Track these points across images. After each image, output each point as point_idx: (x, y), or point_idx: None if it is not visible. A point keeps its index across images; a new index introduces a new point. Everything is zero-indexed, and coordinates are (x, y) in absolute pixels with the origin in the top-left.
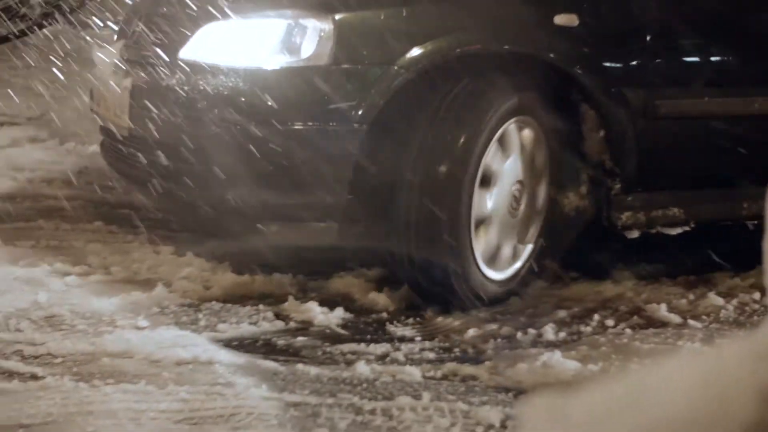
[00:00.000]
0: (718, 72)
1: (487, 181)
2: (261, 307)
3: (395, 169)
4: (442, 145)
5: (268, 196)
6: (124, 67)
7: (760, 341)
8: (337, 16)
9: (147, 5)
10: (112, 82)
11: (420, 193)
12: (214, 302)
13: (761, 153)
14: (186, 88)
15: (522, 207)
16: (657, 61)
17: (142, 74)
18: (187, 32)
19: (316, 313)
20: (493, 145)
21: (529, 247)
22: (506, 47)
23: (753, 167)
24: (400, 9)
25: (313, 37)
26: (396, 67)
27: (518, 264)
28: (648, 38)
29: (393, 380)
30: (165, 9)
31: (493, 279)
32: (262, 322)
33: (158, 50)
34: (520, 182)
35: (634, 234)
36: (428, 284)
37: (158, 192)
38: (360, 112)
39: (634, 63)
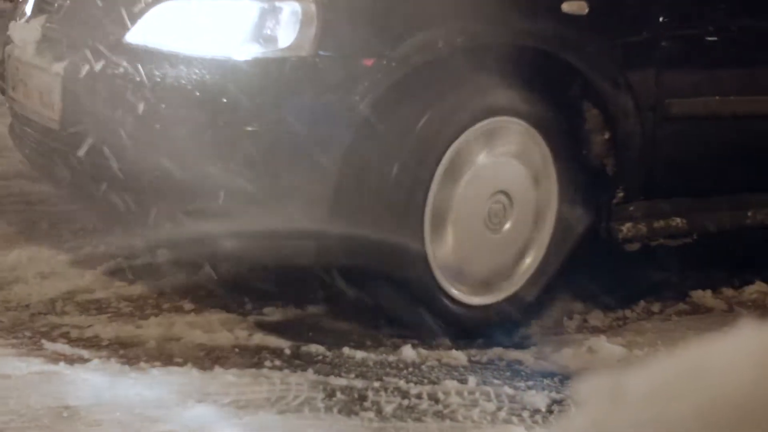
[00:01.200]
0: (733, 69)
1: (449, 194)
2: (307, 290)
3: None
4: (399, 144)
5: (234, 208)
6: (52, 49)
7: None
8: None
9: None
10: (36, 65)
11: (377, 200)
12: (260, 285)
13: None
14: (137, 78)
15: (509, 222)
16: (669, 56)
17: (78, 59)
18: (134, 10)
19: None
20: (457, 147)
21: (528, 267)
22: (509, 39)
23: (762, 172)
24: None
25: (292, 22)
26: (387, 60)
27: (512, 288)
28: (660, 31)
29: (439, 364)
30: None
31: (468, 304)
32: (308, 306)
33: (98, 31)
34: (503, 193)
35: (635, 247)
36: (385, 306)
37: (93, 195)
38: (346, 112)
39: (644, 57)
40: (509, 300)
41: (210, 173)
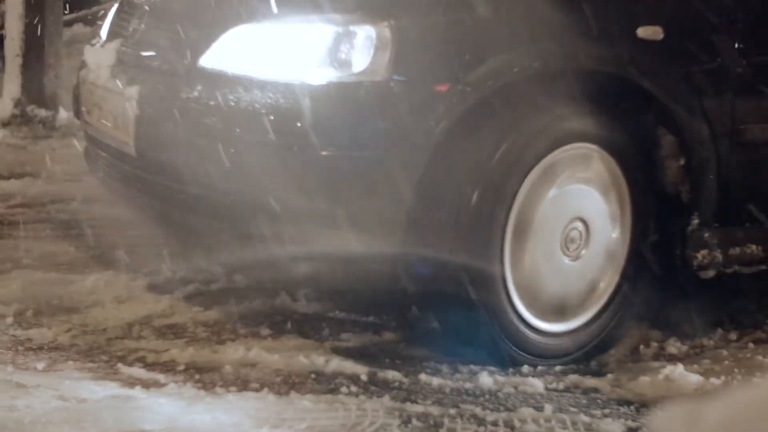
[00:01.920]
0: None
1: (528, 218)
2: (384, 316)
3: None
4: (478, 171)
5: (308, 234)
6: (126, 73)
7: None
8: (396, 23)
9: None
10: (110, 89)
11: (455, 225)
12: (337, 312)
13: None
14: (211, 102)
15: (585, 249)
16: (744, 82)
17: (152, 83)
18: (208, 35)
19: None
20: (537, 175)
21: (604, 296)
22: (584, 65)
23: None
24: (469, 15)
25: (366, 47)
26: (462, 86)
27: (587, 315)
28: (735, 57)
29: (515, 391)
30: (177, 5)
31: (544, 330)
32: (385, 332)
33: (172, 55)
34: (580, 219)
35: (710, 274)
36: (460, 331)
37: (168, 219)
38: (421, 137)
39: (719, 83)
40: (584, 327)
41: (285, 198)
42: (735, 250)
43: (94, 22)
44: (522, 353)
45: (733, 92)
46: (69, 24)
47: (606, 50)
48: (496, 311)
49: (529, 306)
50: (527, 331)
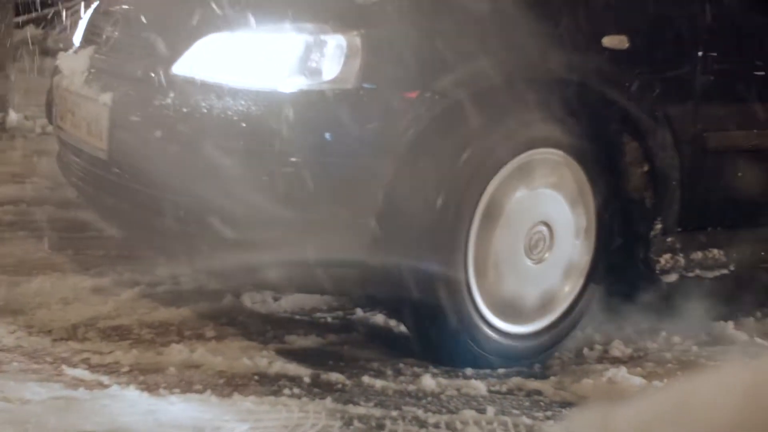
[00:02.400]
0: None
1: (493, 223)
2: (329, 319)
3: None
4: (444, 176)
5: (277, 238)
6: (100, 79)
7: None
8: (366, 32)
9: (124, 7)
10: (84, 95)
11: (421, 231)
12: (281, 314)
13: None
14: (184, 109)
15: (549, 252)
16: (707, 90)
17: (126, 89)
18: (181, 43)
19: (383, 325)
20: (501, 179)
21: (567, 299)
22: (550, 73)
23: None
24: (437, 25)
25: (337, 55)
26: (430, 93)
27: (552, 317)
28: (699, 65)
29: (458, 394)
30: (150, 13)
31: (508, 332)
32: (329, 334)
33: (146, 62)
34: (544, 223)
35: (672, 278)
36: (427, 335)
37: (137, 223)
38: (389, 144)
39: (683, 91)
40: (550, 328)
41: (255, 203)
42: (697, 255)
43: (45, 24)
44: (488, 355)
45: (696, 100)
46: (20, 26)
47: (572, 59)
48: (461, 314)
49: (494, 308)
50: (492, 334)
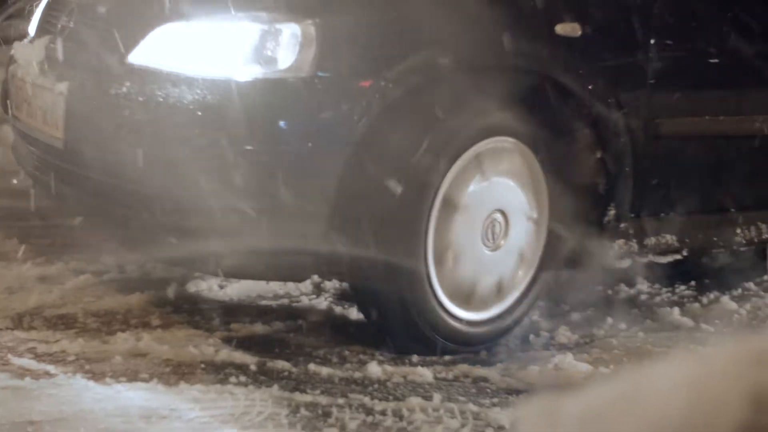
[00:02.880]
0: (722, 90)
1: (451, 211)
2: (274, 306)
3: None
4: (402, 165)
5: (233, 226)
6: (55, 69)
7: (754, 345)
8: (320, 20)
9: None
10: (40, 85)
11: (380, 219)
12: (227, 301)
13: (758, 175)
14: (140, 98)
15: (505, 239)
16: (659, 77)
17: (82, 79)
18: (137, 32)
19: (329, 313)
20: (459, 167)
21: (521, 285)
22: (503, 60)
23: (749, 191)
24: (391, 13)
25: (292, 44)
26: (384, 81)
27: (506, 303)
28: (650, 52)
29: (404, 381)
30: (106, 3)
31: (465, 319)
32: (275, 322)
33: (101, 52)
34: (500, 211)
35: (626, 264)
36: (387, 323)
37: (93, 212)
38: (344, 132)
39: (635, 78)
40: (505, 314)
41: (211, 191)
42: (650, 240)
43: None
44: (446, 342)
45: (648, 86)
46: None
47: (525, 46)
48: (421, 303)
49: (452, 296)
50: (450, 321)
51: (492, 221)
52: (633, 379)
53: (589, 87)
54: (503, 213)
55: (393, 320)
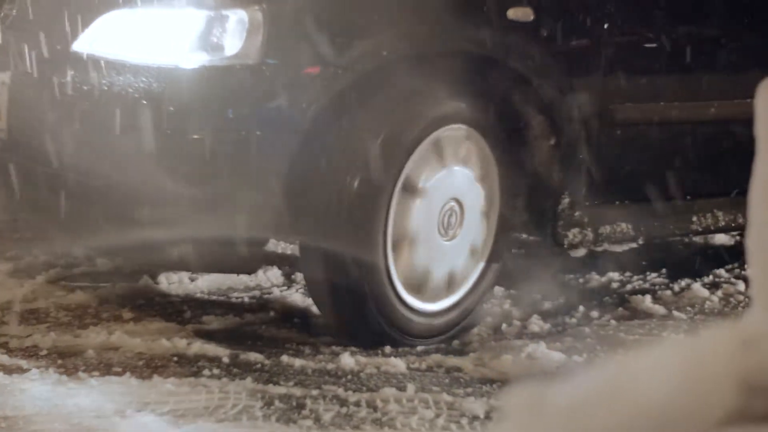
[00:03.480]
0: (677, 75)
1: (409, 202)
2: (246, 299)
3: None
4: (358, 154)
5: (181, 216)
6: None
7: (741, 329)
8: (267, 6)
9: None
10: None
11: (336, 210)
12: (199, 294)
13: (713, 162)
14: (84, 87)
15: (460, 228)
16: (613, 62)
17: (25, 67)
18: (81, 20)
19: (301, 304)
20: (417, 157)
21: (473, 275)
22: (455, 46)
23: (705, 177)
24: None
25: (238, 30)
26: (333, 68)
27: (458, 294)
28: (604, 37)
29: (378, 372)
30: None
31: (420, 310)
32: (246, 314)
33: (45, 40)
34: (455, 200)
35: (580, 253)
36: (342, 316)
37: (39, 203)
38: (292, 119)
39: (589, 64)
40: (459, 304)
41: (159, 181)
42: (605, 229)
43: None
44: (404, 335)
45: (602, 72)
46: None
47: (476, 31)
48: (379, 295)
49: (408, 287)
50: (407, 312)
51: (448, 211)
52: (620, 366)
53: (542, 73)
54: (459, 202)
55: (348, 312)
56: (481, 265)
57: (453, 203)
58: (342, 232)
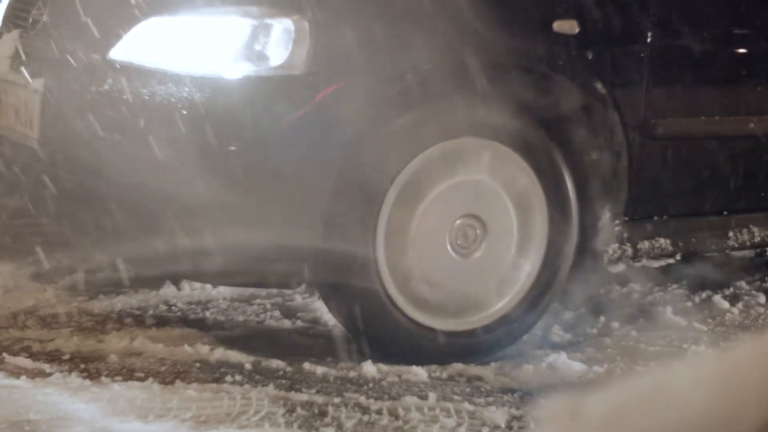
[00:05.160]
0: (719, 89)
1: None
2: (268, 305)
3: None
4: (365, 162)
5: (220, 231)
6: (29, 65)
7: None
8: (314, 15)
9: None
10: (12, 81)
11: (339, 217)
12: (221, 300)
13: (752, 176)
14: (123, 96)
15: (481, 249)
16: (656, 76)
17: (59, 75)
18: (119, 26)
19: (323, 312)
20: (419, 166)
21: (507, 297)
22: (502, 59)
23: (743, 193)
24: (388, 7)
25: (284, 40)
26: (382, 81)
27: (487, 316)
28: (648, 51)
29: (399, 380)
30: None
31: (436, 329)
32: (269, 321)
33: (80, 47)
34: (473, 216)
35: (619, 268)
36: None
37: (71, 213)
38: (341, 135)
39: (632, 77)
40: (496, 324)
41: (197, 193)
42: (644, 244)
43: None
44: (413, 352)
45: (644, 86)
46: None
47: (521, 44)
48: (377, 305)
49: (416, 304)
50: (416, 329)
51: (464, 227)
52: (655, 377)
53: (584, 85)
54: (479, 219)
55: (370, 324)
56: (528, 285)
57: (471, 219)
58: (349, 236)
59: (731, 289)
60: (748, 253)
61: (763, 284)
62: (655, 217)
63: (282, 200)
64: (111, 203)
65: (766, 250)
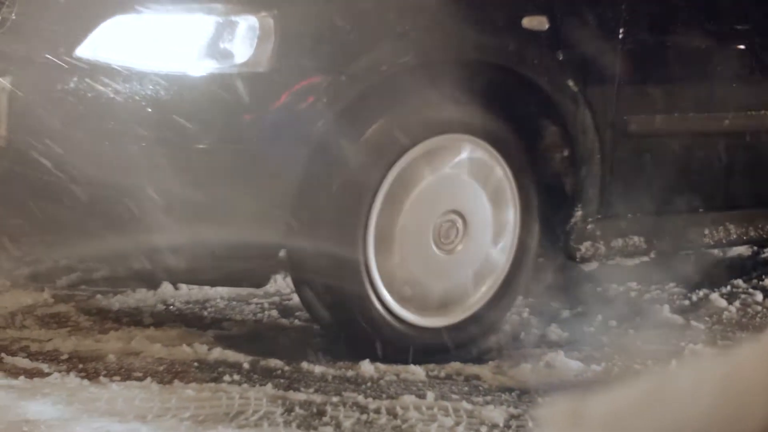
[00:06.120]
0: (692, 86)
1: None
2: (266, 305)
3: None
4: (344, 156)
5: (186, 230)
6: None
7: None
8: (279, 13)
9: None
10: None
11: (325, 214)
12: (219, 300)
13: (727, 174)
14: (89, 94)
15: (462, 243)
16: (628, 72)
17: (25, 73)
18: (85, 24)
19: None
20: (405, 165)
21: (488, 289)
22: (469, 55)
23: (718, 190)
24: (354, 4)
25: (249, 37)
26: (345, 77)
27: (467, 312)
28: (619, 47)
29: (397, 379)
30: None
31: (416, 324)
32: (267, 320)
33: (47, 45)
34: (456, 212)
35: (592, 266)
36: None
37: (42, 211)
38: (305, 130)
39: (604, 74)
40: (466, 322)
41: (163, 192)
42: (618, 242)
43: None
44: (398, 350)
45: (616, 82)
46: None
47: (489, 40)
48: (365, 304)
49: (403, 300)
50: (401, 327)
51: (446, 223)
52: (656, 378)
53: (556, 83)
54: (461, 215)
55: (344, 322)
56: (500, 281)
57: (453, 215)
58: (332, 237)
59: (728, 287)
60: (744, 251)
61: (761, 282)
62: (629, 215)
63: (248, 198)
64: (79, 201)
65: (763, 249)
